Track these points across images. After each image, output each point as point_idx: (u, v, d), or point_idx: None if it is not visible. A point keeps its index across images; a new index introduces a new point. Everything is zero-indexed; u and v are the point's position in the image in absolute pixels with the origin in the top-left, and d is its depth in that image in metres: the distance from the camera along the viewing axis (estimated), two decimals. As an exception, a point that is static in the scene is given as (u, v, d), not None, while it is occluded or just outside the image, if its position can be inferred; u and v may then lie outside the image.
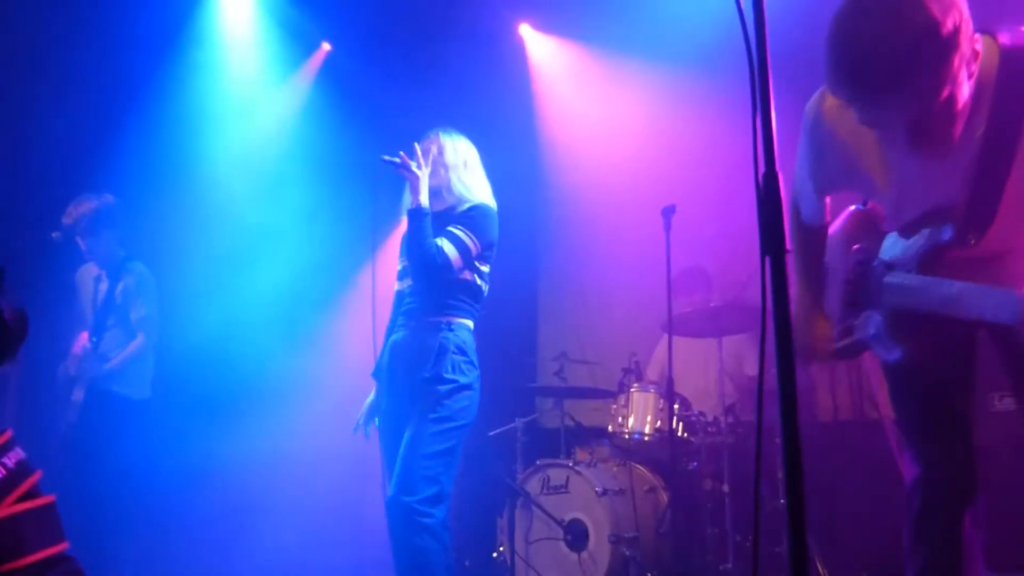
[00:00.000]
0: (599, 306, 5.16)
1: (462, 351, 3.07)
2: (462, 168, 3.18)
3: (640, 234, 4.52)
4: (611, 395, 4.47)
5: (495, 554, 4.49)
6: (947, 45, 1.61)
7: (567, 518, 4.28)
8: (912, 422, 2.12)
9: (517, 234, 3.84)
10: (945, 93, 1.67)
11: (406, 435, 3.00)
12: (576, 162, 5.28)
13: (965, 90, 1.71)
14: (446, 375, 3.01)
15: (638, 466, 4.38)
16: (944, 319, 1.86)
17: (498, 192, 3.26)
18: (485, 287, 3.19)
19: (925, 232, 1.93)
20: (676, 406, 4.21)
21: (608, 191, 5.05)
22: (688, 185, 4.49)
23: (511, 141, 5.02)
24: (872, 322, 2.03)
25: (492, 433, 4.64)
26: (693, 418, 4.23)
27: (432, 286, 3.06)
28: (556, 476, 4.36)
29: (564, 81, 5.33)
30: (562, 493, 4.32)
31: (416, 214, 3.00)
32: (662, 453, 4.16)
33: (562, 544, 4.27)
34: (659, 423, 4.23)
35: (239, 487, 4.78)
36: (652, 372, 4.71)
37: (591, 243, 5.23)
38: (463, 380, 3.04)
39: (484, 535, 4.59)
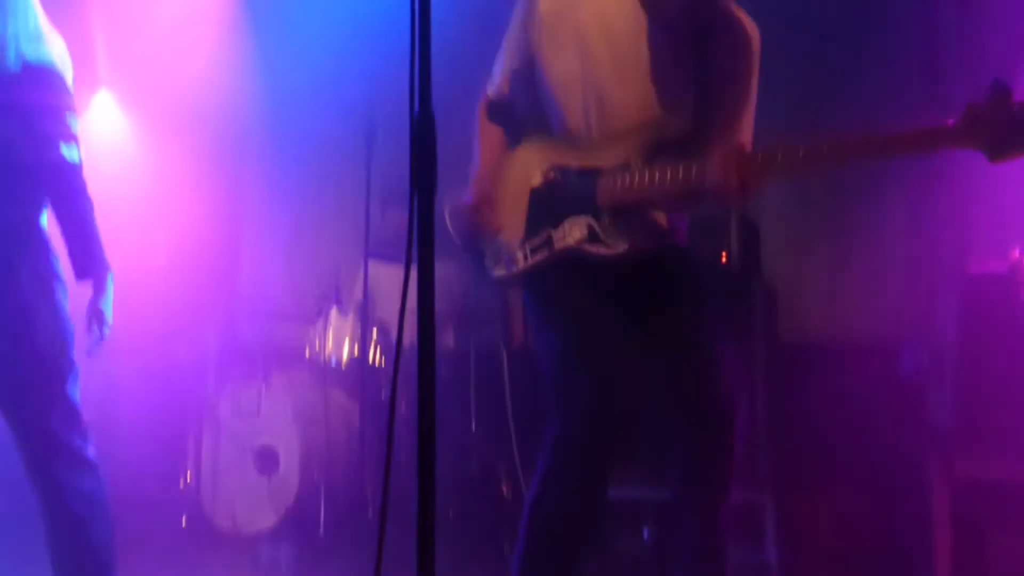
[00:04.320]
0: (300, 226, 4.97)
1: None
2: None
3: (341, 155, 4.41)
4: (310, 317, 4.37)
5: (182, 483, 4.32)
6: None
7: (258, 443, 4.18)
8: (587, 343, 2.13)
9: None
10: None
11: None
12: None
13: None
14: None
15: (334, 391, 4.34)
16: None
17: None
18: None
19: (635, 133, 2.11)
20: (375, 332, 4.20)
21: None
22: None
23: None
24: (579, 226, 2.10)
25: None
26: (391, 345, 4.23)
27: None
28: (248, 399, 4.22)
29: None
30: (254, 417, 4.20)
31: None
32: (359, 380, 4.14)
33: (252, 469, 4.17)
34: (357, 349, 4.20)
35: None
36: (354, 296, 4.63)
37: (288, 161, 4.96)
38: None
39: (173, 459, 4.36)
